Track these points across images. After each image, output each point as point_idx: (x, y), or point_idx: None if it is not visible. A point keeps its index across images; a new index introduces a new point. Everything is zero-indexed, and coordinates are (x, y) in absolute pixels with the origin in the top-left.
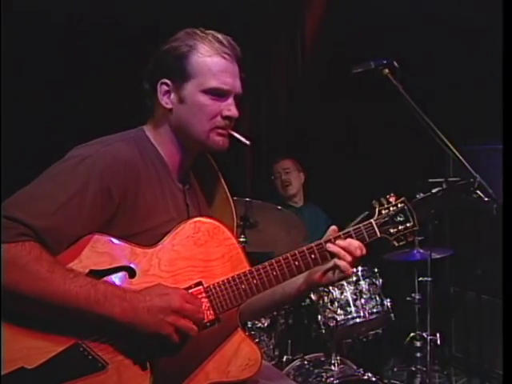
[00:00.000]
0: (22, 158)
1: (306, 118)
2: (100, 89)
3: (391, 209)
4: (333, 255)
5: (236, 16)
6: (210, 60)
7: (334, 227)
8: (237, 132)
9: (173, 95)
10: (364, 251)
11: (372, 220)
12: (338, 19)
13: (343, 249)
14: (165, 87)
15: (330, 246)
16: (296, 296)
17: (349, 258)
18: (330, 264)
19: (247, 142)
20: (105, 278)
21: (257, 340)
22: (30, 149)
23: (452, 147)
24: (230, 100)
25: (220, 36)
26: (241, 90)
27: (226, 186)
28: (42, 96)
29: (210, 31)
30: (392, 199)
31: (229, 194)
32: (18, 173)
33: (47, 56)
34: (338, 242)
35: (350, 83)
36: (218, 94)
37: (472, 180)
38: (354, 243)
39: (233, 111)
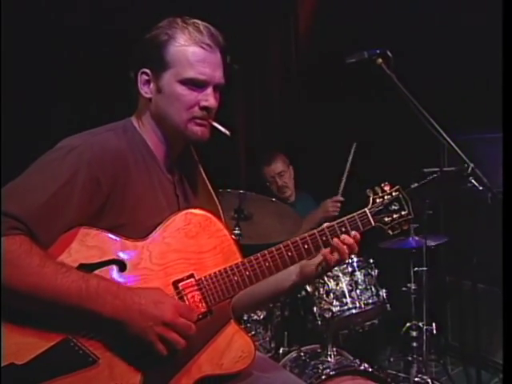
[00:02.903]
0: (20, 156)
1: (300, 109)
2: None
3: (385, 197)
4: (327, 246)
5: (231, 11)
6: (188, 50)
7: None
8: (218, 122)
9: (152, 84)
10: (358, 237)
11: (366, 209)
12: (331, 10)
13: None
14: (145, 76)
15: (335, 241)
16: (289, 290)
17: (346, 255)
18: (321, 258)
19: (227, 133)
20: (95, 272)
21: (253, 332)
22: (27, 146)
23: (446, 137)
24: (209, 90)
25: (201, 25)
26: (222, 80)
27: (206, 178)
28: (39, 94)
29: (193, 20)
30: (386, 188)
31: (210, 186)
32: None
33: (45, 56)
34: (343, 237)
35: (344, 74)
36: (195, 84)
37: (466, 166)
38: (357, 236)
39: (210, 102)
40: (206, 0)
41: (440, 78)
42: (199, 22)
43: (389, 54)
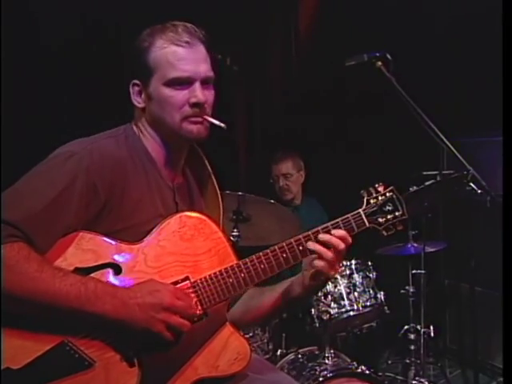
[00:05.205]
0: (21, 158)
1: (300, 110)
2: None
3: (379, 198)
4: (312, 253)
5: (231, 11)
6: (167, 51)
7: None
8: (214, 117)
9: (143, 94)
10: (349, 241)
11: (360, 210)
12: (332, 11)
13: (323, 245)
14: (136, 87)
15: (310, 244)
16: (294, 301)
17: (329, 255)
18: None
19: (222, 125)
20: (90, 276)
21: (251, 334)
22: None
23: (445, 140)
24: (196, 86)
25: (180, 26)
26: (209, 74)
27: (215, 182)
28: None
29: (173, 23)
30: (380, 188)
31: (218, 189)
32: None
33: (45, 59)
34: (320, 236)
35: (345, 75)
36: (180, 83)
37: (465, 172)
38: (337, 233)
39: (198, 97)
40: (207, 0)
41: (439, 81)
42: (178, 23)
43: (388, 56)
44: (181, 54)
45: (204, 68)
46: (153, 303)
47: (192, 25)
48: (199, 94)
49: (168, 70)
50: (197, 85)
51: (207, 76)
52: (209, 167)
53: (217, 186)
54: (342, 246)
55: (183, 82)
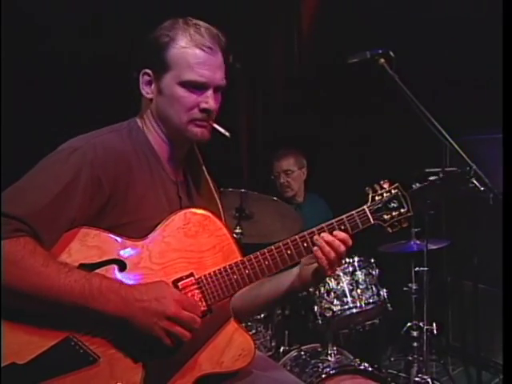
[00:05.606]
0: (21, 157)
1: (302, 108)
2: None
3: (385, 195)
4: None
5: (233, 10)
6: (188, 52)
7: None
8: (219, 123)
9: (153, 85)
10: (350, 243)
11: (365, 206)
12: (334, 10)
13: (328, 244)
14: (146, 77)
15: (317, 239)
16: (288, 293)
17: (332, 255)
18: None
19: (227, 134)
20: (96, 272)
21: (254, 331)
22: (29, 147)
23: (448, 137)
24: (209, 92)
25: (202, 27)
26: (222, 82)
27: (209, 178)
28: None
29: (195, 21)
30: (386, 185)
31: (212, 186)
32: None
33: (46, 56)
34: (323, 235)
35: (347, 73)
36: (194, 86)
37: (468, 168)
38: (338, 235)
39: (210, 104)
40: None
41: (442, 79)
42: (201, 23)
43: (391, 54)
44: (201, 58)
45: (219, 76)
46: (157, 310)
47: (213, 28)
48: (211, 101)
49: (186, 71)
50: (210, 91)
51: (220, 84)
52: (204, 168)
53: (212, 186)
54: (342, 248)
55: (198, 86)
